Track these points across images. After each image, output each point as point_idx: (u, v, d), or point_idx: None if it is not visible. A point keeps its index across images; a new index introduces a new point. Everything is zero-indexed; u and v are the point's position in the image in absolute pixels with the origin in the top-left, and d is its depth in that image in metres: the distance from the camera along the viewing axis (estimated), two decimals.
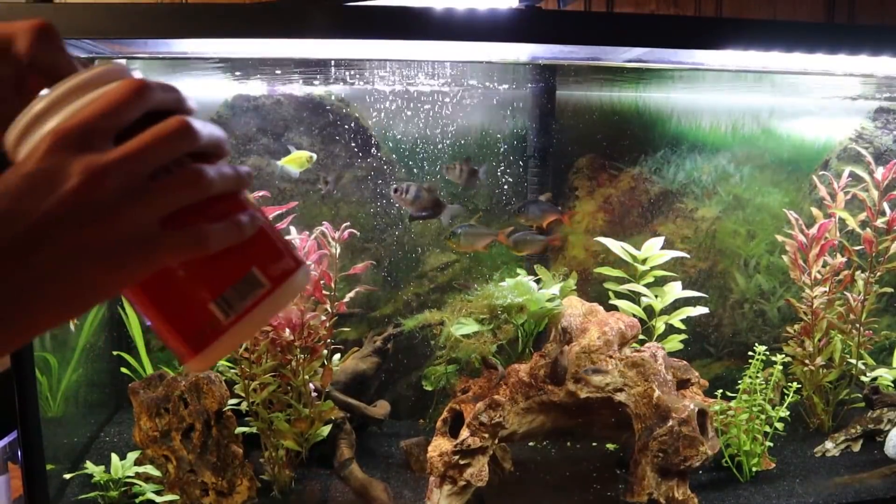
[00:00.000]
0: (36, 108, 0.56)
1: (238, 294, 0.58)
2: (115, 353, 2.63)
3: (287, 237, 2.10)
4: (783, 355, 2.36)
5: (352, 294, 2.23)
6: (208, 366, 0.59)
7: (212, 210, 0.58)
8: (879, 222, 2.45)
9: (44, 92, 0.57)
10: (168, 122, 0.56)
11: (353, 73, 2.49)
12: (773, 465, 2.32)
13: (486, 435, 1.99)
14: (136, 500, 2.03)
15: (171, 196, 0.55)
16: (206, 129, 0.59)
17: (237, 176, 0.60)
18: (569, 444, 2.51)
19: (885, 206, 2.46)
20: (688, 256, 2.67)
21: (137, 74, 0.59)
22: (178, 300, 0.58)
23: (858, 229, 2.50)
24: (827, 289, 2.49)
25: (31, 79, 0.61)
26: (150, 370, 2.54)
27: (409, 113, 2.69)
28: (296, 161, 2.42)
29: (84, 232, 0.52)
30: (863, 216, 2.51)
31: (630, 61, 2.08)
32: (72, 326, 2.26)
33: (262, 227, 0.61)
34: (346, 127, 2.69)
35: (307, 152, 2.44)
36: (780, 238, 2.60)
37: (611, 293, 2.51)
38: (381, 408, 2.42)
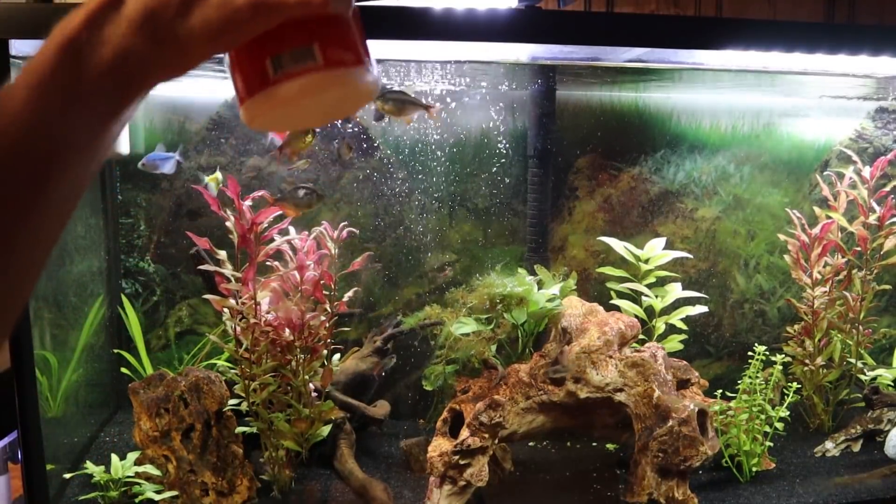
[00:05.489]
0: None
1: (292, 59, 0.64)
2: (115, 351, 2.63)
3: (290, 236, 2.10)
4: (783, 355, 2.36)
5: (350, 294, 2.23)
6: (253, 119, 0.66)
7: None
8: (871, 219, 2.47)
9: None
10: None
11: None
12: (773, 465, 2.32)
13: (486, 435, 1.99)
14: (136, 500, 2.03)
15: None
16: None
17: None
18: (569, 444, 2.51)
19: (874, 203, 2.47)
20: (690, 257, 2.67)
21: None
22: (248, 47, 0.65)
23: (852, 229, 2.51)
24: (827, 289, 2.49)
25: None
26: (150, 370, 2.54)
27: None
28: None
29: None
30: (862, 217, 2.51)
31: (630, 61, 2.08)
32: None
33: (345, 15, 0.66)
34: (346, 127, 2.69)
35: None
36: (781, 237, 2.60)
37: (612, 293, 2.51)
38: (381, 408, 2.42)
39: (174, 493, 2.05)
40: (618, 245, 2.54)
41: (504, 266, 2.50)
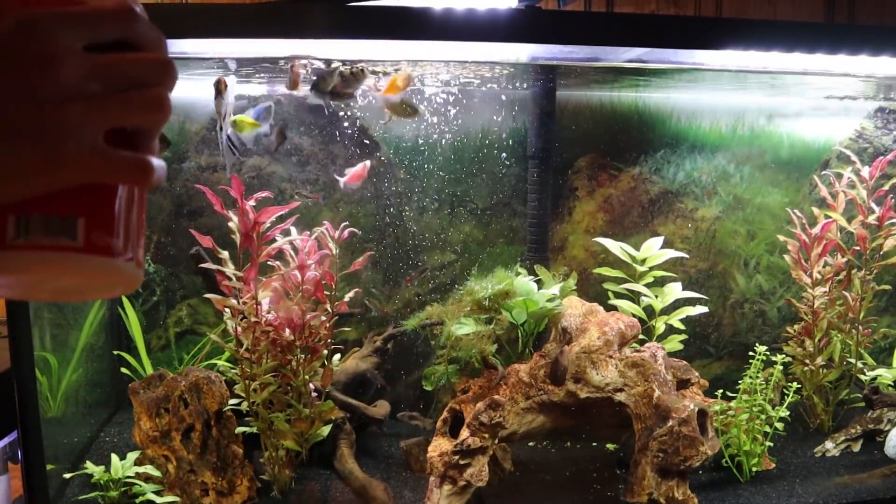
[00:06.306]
0: None
1: (43, 228, 0.50)
2: (115, 352, 2.63)
3: (285, 238, 2.10)
4: (783, 355, 2.36)
5: (351, 295, 2.23)
6: None
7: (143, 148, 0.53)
8: (870, 219, 2.47)
9: None
10: (155, 55, 0.53)
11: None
12: (773, 465, 2.32)
13: (486, 435, 1.99)
14: (136, 501, 2.03)
15: (129, 110, 0.51)
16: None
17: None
18: (569, 444, 2.51)
19: (873, 203, 2.47)
20: (686, 256, 2.67)
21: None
22: None
23: (851, 229, 2.51)
24: (827, 289, 2.49)
25: None
26: (150, 370, 2.54)
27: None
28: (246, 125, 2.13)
29: (27, 106, 0.48)
30: (861, 217, 2.52)
31: (630, 61, 2.08)
32: None
33: (128, 199, 0.54)
34: (346, 127, 2.69)
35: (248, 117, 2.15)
36: (781, 238, 2.60)
37: (610, 293, 2.51)
38: (381, 408, 2.42)
39: (175, 498, 2.04)
40: (613, 246, 2.54)
41: (503, 266, 2.49)
